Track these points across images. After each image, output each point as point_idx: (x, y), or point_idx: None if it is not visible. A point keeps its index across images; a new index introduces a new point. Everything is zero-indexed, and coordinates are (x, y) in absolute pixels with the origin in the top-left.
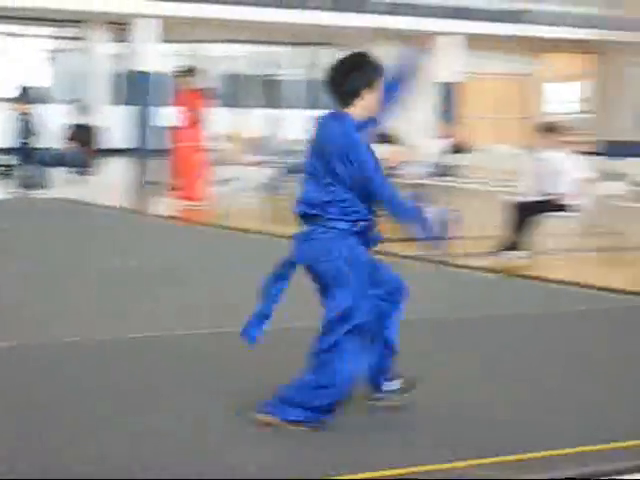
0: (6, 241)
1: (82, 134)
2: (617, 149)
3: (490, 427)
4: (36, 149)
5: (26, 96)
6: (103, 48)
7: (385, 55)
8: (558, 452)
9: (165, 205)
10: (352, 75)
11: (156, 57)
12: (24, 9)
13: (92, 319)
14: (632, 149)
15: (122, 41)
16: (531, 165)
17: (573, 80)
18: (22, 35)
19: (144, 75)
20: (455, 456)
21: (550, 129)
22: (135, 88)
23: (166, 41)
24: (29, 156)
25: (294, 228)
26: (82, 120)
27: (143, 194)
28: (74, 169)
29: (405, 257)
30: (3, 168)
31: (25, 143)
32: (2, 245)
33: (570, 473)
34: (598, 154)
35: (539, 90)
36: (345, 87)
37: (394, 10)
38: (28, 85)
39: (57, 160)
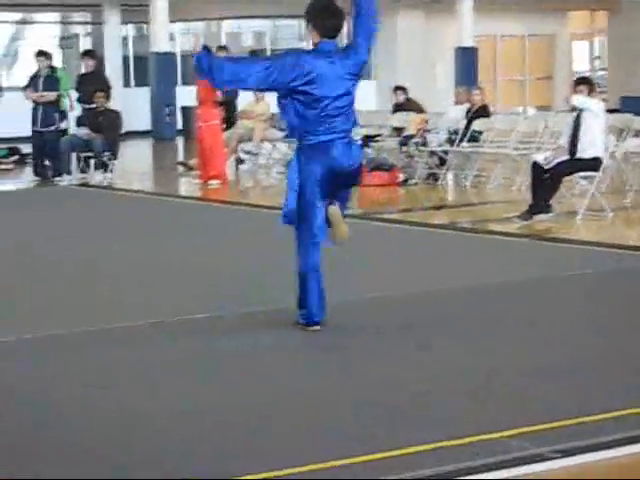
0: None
1: (108, 118)
2: (634, 104)
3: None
4: (59, 135)
5: (35, 84)
6: (116, 31)
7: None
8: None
9: (192, 186)
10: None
11: (166, 37)
12: None
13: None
14: None
15: (133, 22)
16: (568, 123)
17: (591, 38)
18: (33, 22)
19: (167, 56)
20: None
21: (586, 82)
22: (159, 69)
23: (176, 20)
24: (46, 144)
25: None
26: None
27: (171, 176)
28: (100, 154)
29: (434, 226)
30: (18, 157)
31: (39, 132)
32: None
33: None
34: (615, 111)
35: (562, 49)
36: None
37: None
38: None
39: (81, 146)
